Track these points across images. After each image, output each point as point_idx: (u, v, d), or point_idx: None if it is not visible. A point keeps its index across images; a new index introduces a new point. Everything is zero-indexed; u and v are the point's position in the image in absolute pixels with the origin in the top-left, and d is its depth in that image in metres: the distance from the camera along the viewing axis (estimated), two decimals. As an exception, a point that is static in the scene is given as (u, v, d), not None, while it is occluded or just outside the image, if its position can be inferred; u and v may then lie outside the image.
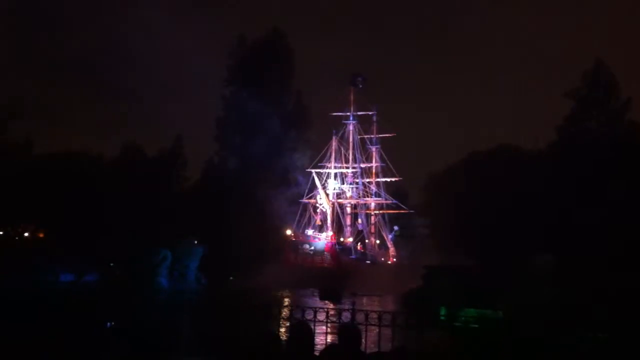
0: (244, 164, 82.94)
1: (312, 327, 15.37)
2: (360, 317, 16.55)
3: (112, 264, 58.19)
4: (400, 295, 51.14)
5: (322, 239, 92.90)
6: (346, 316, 18.59)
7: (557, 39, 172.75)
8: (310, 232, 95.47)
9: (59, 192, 56.04)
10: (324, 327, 16.89)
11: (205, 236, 65.76)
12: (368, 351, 15.40)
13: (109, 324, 16.07)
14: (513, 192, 48.82)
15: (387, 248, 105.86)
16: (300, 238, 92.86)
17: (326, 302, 43.99)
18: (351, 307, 16.83)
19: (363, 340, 15.47)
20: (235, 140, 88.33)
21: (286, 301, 51.88)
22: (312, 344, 13.47)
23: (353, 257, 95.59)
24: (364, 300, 51.56)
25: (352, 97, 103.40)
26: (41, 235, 60.23)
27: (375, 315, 16.29)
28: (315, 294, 56.04)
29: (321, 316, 16.39)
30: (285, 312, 17.00)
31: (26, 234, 61.22)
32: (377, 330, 16.19)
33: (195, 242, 67.76)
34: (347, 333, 14.39)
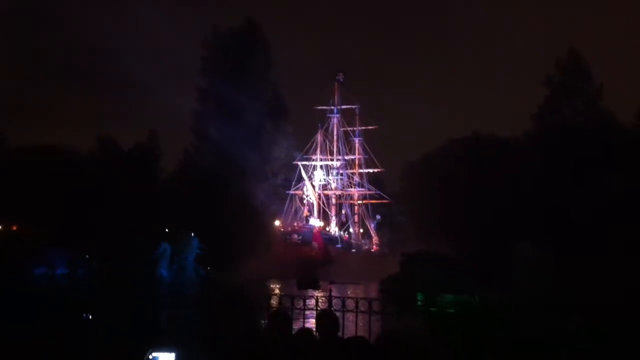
0: (220, 155, 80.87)
1: (291, 314, 15.75)
2: (338, 304, 16.91)
3: (87, 256, 57.30)
4: (379, 282, 51.22)
5: (310, 230, 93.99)
6: (324, 303, 18.96)
7: (531, 29, 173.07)
8: (297, 222, 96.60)
9: (35, 186, 54.70)
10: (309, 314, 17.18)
11: (190, 228, 65.60)
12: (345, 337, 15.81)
13: (85, 315, 16.25)
14: (489, 179, 48.95)
15: (370, 237, 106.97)
16: (289, 229, 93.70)
17: (304, 291, 44.12)
18: (330, 295, 17.06)
19: (340, 326, 15.89)
20: (211, 131, 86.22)
21: (275, 291, 52.10)
22: (289, 330, 13.84)
23: (339, 246, 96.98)
24: (349, 288, 51.94)
25: (335, 92, 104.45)
26: (14, 228, 58.38)
27: (352, 302, 16.67)
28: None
29: (301, 305, 16.68)
30: (272, 302, 17.29)
31: None
32: (354, 316, 16.55)
33: (192, 235, 68.07)
34: (324, 319, 14.78)
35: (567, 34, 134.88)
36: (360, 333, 16.99)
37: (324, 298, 17.64)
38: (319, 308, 15.69)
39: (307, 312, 16.95)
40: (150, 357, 10.41)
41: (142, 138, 72.68)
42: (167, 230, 63.46)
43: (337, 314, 16.35)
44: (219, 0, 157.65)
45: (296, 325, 16.85)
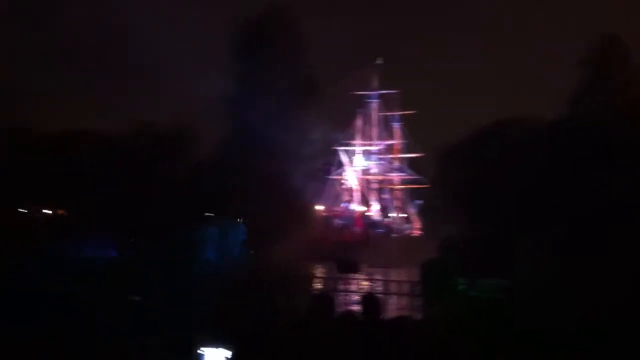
0: (255, 138, 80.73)
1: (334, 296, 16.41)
2: (380, 287, 17.57)
3: (132, 240, 58.19)
4: (420, 266, 51.27)
5: (351, 214, 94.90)
6: (369, 286, 19.61)
7: (566, 12, 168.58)
8: (339, 207, 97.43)
9: (72, 171, 55.33)
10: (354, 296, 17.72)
11: (230, 211, 66.52)
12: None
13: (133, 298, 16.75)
14: (524, 164, 48.35)
15: (411, 221, 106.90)
16: (330, 213, 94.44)
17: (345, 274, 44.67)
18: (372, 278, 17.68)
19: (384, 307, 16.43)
20: (245, 115, 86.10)
21: (318, 273, 52.79)
22: (332, 311, 14.40)
23: (380, 230, 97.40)
24: (390, 272, 52.27)
25: (375, 77, 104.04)
26: (60, 212, 59.29)
27: (395, 285, 17.31)
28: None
29: (351, 286, 17.35)
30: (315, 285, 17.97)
31: (48, 212, 59.91)
32: (396, 299, 17.16)
33: (239, 219, 69.30)
34: (367, 301, 15.37)
35: (604, 16, 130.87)
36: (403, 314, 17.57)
37: (367, 281, 18.30)
38: (362, 291, 16.38)
39: (351, 295, 17.62)
40: (201, 351, 10.90)
41: (176, 122, 73.04)
42: (212, 214, 64.64)
43: (380, 296, 16.99)
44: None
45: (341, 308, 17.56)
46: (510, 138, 52.63)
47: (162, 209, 57.64)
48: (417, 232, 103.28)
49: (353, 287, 16.16)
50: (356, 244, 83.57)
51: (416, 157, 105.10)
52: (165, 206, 57.92)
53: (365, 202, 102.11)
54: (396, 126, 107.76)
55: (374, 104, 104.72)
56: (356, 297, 15.22)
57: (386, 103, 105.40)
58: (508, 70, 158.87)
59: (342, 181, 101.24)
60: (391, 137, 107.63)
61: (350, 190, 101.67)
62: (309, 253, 69.18)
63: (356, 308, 15.09)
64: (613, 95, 52.31)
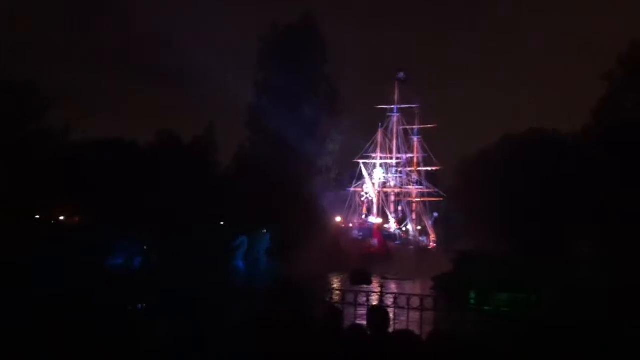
0: (275, 149, 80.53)
1: (345, 308, 16.01)
2: (389, 300, 17.09)
3: (145, 247, 57.99)
4: (432, 280, 50.63)
5: (369, 226, 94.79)
6: (379, 299, 19.11)
7: (590, 21, 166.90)
8: (358, 219, 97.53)
9: (97, 177, 55.07)
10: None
11: (253, 222, 66.68)
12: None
13: (140, 306, 16.51)
14: (549, 176, 47.54)
15: (428, 234, 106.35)
16: (349, 225, 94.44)
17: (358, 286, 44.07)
18: (382, 291, 17.23)
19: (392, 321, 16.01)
20: (266, 125, 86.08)
21: (334, 285, 52.35)
22: (340, 324, 14.10)
23: (397, 242, 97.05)
24: (404, 284, 51.66)
25: (396, 91, 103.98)
26: (76, 219, 59.21)
27: (404, 299, 16.78)
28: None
29: (362, 299, 16.81)
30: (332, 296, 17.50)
31: (61, 218, 59.83)
32: (406, 313, 16.64)
33: (264, 230, 69.55)
34: (375, 314, 15.02)
35: (632, 27, 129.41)
36: (411, 329, 17.08)
37: (377, 294, 17.85)
38: (370, 304, 15.95)
39: (361, 307, 17.15)
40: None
41: (201, 132, 73.23)
42: (241, 225, 64.82)
43: (389, 309, 16.55)
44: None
45: (350, 320, 17.12)
46: (531, 151, 51.95)
47: (189, 218, 57.75)
48: (433, 245, 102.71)
49: (364, 300, 15.66)
50: (374, 256, 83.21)
51: (434, 170, 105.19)
52: (192, 215, 58.06)
53: (383, 214, 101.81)
54: (415, 139, 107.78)
55: (395, 117, 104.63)
56: (365, 310, 14.83)
57: (407, 116, 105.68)
58: (528, 83, 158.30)
59: (362, 193, 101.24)
60: (410, 151, 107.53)
61: (369, 202, 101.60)
62: (327, 264, 68.99)
63: (365, 321, 14.74)
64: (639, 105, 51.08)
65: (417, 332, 13.49)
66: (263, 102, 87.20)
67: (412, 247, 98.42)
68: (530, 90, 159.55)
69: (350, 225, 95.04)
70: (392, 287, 38.28)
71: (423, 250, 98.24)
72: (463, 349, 13.05)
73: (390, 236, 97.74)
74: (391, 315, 15.59)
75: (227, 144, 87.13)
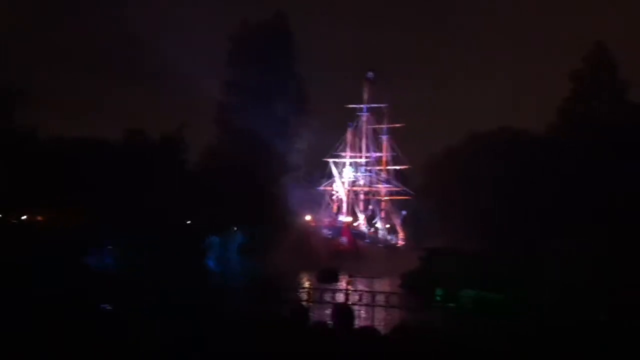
0: (244, 148, 79.83)
1: (311, 306, 16.29)
2: (357, 297, 17.40)
3: (109, 247, 57.02)
4: (400, 277, 50.78)
5: (339, 225, 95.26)
6: (345, 297, 19.39)
7: (557, 22, 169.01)
8: (328, 218, 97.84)
9: (64, 177, 54.00)
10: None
11: (221, 221, 66.12)
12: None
13: (105, 306, 16.49)
14: (515, 173, 48.01)
15: (397, 232, 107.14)
16: (320, 223, 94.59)
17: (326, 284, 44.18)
18: (348, 289, 17.48)
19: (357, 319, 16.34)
20: (235, 124, 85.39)
21: (303, 284, 52.41)
22: (306, 322, 14.37)
23: (367, 241, 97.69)
24: (373, 282, 51.86)
25: (365, 90, 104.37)
26: (40, 219, 58.12)
27: (370, 296, 17.15)
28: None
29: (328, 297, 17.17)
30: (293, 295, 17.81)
31: (24, 217, 57.94)
32: (371, 309, 17.00)
33: (235, 229, 69.05)
34: (340, 312, 15.31)
35: (596, 26, 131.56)
36: (379, 325, 17.40)
37: (345, 291, 18.14)
38: (336, 302, 16.23)
39: (327, 305, 17.46)
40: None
41: (171, 130, 72.13)
42: (212, 224, 64.25)
43: (355, 307, 16.86)
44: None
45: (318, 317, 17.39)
46: (498, 149, 52.59)
47: (157, 217, 56.98)
48: (402, 243, 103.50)
49: (329, 298, 15.90)
50: (344, 254, 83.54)
51: (403, 169, 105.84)
52: (160, 214, 57.32)
53: (353, 212, 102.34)
54: (384, 139, 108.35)
55: (364, 116, 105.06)
56: (331, 308, 15.04)
57: (376, 116, 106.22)
58: (496, 82, 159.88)
59: (332, 192, 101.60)
60: (380, 150, 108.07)
61: (339, 200, 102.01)
62: (297, 262, 69.07)
63: (330, 318, 14.98)
64: (603, 105, 52.20)
65: (380, 328, 13.82)
66: (232, 100, 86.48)
67: (381, 245, 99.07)
68: (500, 89, 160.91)
69: (321, 223, 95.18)
70: (360, 285, 38.40)
71: (392, 248, 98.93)
72: (425, 343, 13.37)
73: (360, 234, 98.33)
74: (357, 313, 15.93)
75: (199, 143, 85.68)
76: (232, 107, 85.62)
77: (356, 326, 14.57)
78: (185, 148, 71.64)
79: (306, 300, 16.49)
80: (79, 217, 54.62)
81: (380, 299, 16.75)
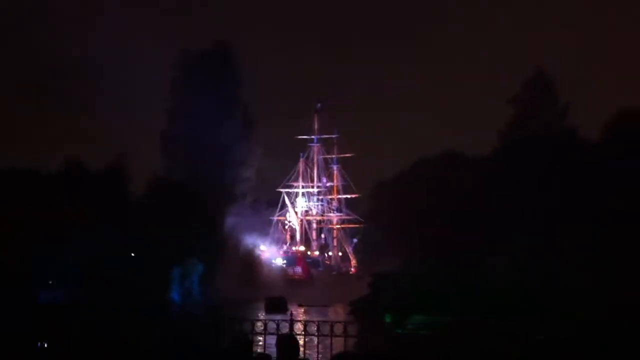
0: (189, 177, 77.91)
1: (253, 338, 15.71)
2: (299, 327, 16.83)
3: (50, 282, 54.99)
4: (349, 304, 50.31)
5: (293, 254, 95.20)
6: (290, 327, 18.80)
7: (498, 48, 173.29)
8: (281, 247, 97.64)
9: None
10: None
11: (171, 253, 64.50)
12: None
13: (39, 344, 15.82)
14: (459, 196, 48.77)
15: (349, 259, 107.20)
16: (273, 253, 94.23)
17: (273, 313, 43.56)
18: (292, 319, 16.86)
19: (302, 348, 15.80)
20: (180, 153, 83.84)
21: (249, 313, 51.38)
22: (248, 353, 13.84)
23: (320, 269, 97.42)
24: (324, 310, 51.35)
25: (315, 121, 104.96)
26: None
27: (314, 326, 16.59)
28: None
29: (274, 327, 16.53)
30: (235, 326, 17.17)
31: None
32: (317, 339, 16.47)
33: (195, 259, 67.56)
34: (284, 343, 14.79)
35: (536, 50, 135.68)
36: (324, 355, 16.90)
37: (291, 321, 17.53)
38: (280, 332, 15.67)
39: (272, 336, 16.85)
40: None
41: (112, 159, 69.74)
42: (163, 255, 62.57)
43: (299, 337, 16.33)
44: (201, 19, 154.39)
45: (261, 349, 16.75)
46: (443, 173, 53.35)
47: (102, 250, 55.12)
48: (354, 270, 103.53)
49: (274, 328, 15.36)
50: (298, 283, 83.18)
51: (353, 197, 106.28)
52: (106, 247, 55.48)
53: (306, 241, 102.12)
54: (335, 168, 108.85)
55: (315, 147, 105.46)
56: (275, 339, 14.54)
57: (326, 146, 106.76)
58: (445, 108, 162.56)
59: (284, 222, 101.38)
60: (331, 179, 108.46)
61: (292, 230, 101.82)
62: (249, 292, 68.16)
63: (274, 349, 14.46)
64: (542, 128, 53.44)
65: (323, 358, 13.43)
66: (176, 129, 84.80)
67: (334, 272, 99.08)
68: (446, 114, 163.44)
69: (275, 253, 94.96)
70: (311, 314, 37.85)
71: (345, 275, 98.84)
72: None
73: (314, 263, 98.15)
74: (301, 342, 15.43)
75: (145, 174, 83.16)
76: (176, 136, 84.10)
77: (301, 356, 14.04)
78: (128, 178, 69.10)
79: (249, 332, 15.85)
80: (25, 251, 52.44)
81: (325, 328, 16.19)
